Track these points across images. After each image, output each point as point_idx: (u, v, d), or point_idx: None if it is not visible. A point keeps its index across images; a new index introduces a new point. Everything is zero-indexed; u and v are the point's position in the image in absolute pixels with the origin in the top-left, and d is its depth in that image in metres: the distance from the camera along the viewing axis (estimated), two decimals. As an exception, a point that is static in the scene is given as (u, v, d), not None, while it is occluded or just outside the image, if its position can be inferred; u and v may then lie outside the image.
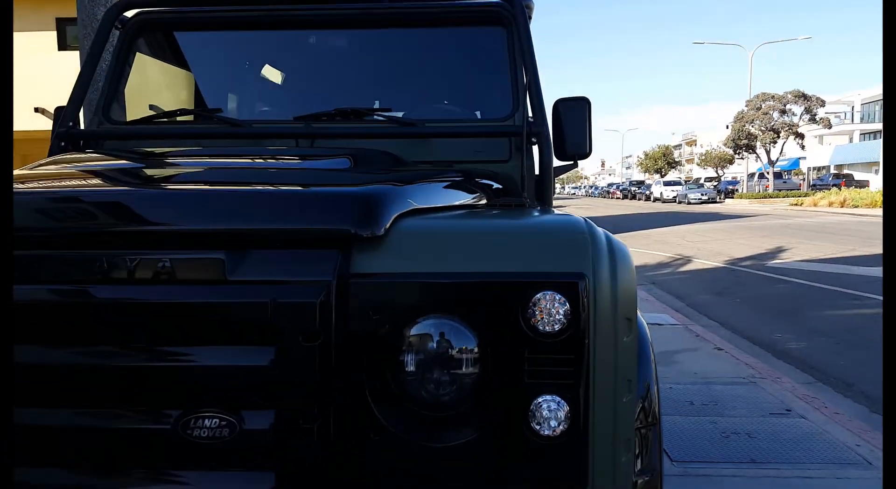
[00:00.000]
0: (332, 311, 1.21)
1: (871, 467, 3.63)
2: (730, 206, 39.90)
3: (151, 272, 1.23)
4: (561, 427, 1.26)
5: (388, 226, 1.30)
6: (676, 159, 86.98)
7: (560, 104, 2.57)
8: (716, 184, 55.64)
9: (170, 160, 1.98)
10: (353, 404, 1.26)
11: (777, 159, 48.07)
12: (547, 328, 1.25)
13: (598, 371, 1.28)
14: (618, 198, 66.51)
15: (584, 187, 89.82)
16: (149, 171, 1.77)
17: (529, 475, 1.28)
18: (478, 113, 2.63)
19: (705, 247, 15.90)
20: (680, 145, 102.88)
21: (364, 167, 1.79)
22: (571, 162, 2.66)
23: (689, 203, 44.04)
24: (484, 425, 1.28)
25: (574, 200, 63.79)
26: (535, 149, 2.57)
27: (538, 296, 1.25)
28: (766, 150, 46.23)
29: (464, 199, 1.87)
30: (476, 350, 1.28)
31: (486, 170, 2.31)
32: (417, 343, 1.29)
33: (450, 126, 2.51)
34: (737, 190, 50.69)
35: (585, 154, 2.59)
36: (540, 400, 1.26)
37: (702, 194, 45.49)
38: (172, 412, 1.24)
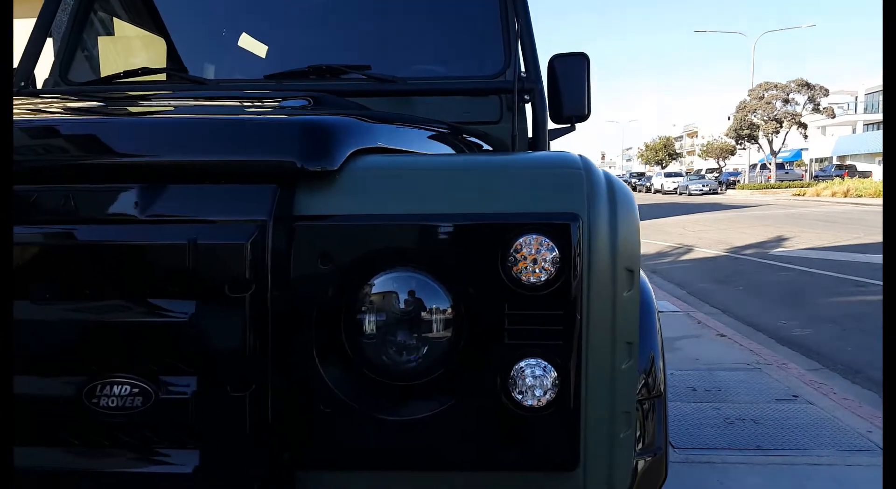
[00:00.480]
0: (266, 257, 1.00)
1: (884, 454, 3.44)
2: (731, 196, 39.61)
3: (50, 209, 1.02)
4: (547, 396, 1.06)
5: (343, 161, 1.10)
6: (678, 151, 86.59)
7: (556, 61, 2.37)
8: (717, 175, 55.32)
9: (104, 100, 1.77)
10: (297, 370, 1.07)
11: (779, 150, 47.70)
12: (532, 279, 1.05)
13: (592, 331, 1.08)
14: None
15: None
16: (69, 105, 1.56)
17: (510, 453, 1.08)
18: (465, 69, 2.42)
19: (707, 237, 15.69)
20: (681, 137, 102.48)
21: (326, 108, 1.58)
22: (568, 124, 2.46)
23: (691, 194, 43.73)
24: (456, 395, 1.08)
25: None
26: (529, 109, 2.37)
27: (521, 240, 1.04)
28: (768, 140, 45.85)
29: (445, 150, 1.66)
30: (447, 307, 1.09)
31: (476, 130, 2.10)
32: (377, 300, 1.09)
33: (434, 83, 2.30)
34: (738, 181, 50.35)
35: (584, 116, 2.39)
36: (522, 364, 1.06)
37: (703, 185, 45.16)
38: (76, 377, 1.03)
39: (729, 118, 53.03)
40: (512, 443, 1.08)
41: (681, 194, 45.12)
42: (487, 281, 1.05)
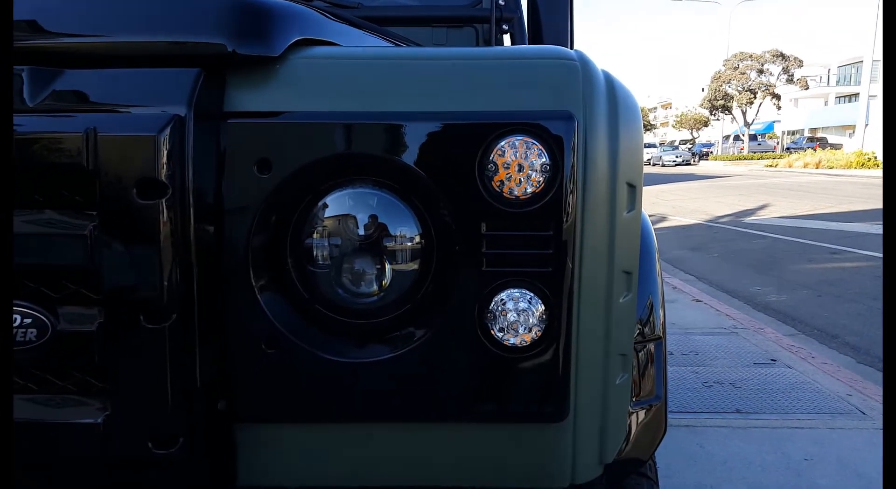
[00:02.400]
0: (185, 157, 0.79)
1: (866, 417, 3.36)
2: (705, 167, 39.78)
3: None
4: (533, 334, 0.87)
5: (285, 48, 0.88)
6: (651, 122, 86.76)
7: None
8: (690, 146, 55.53)
9: None
10: (229, 300, 0.87)
11: (753, 121, 47.91)
12: (516, 191, 0.85)
13: (587, 256, 0.89)
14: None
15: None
16: None
17: (488, 403, 0.89)
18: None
19: (681, 206, 15.67)
20: (655, 108, 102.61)
21: None
22: None
23: (664, 165, 43.83)
24: (424, 334, 0.89)
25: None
26: (508, 41, 2.16)
27: (503, 143, 0.84)
28: (742, 111, 46.00)
29: None
30: (413, 229, 0.89)
31: None
32: (329, 222, 0.89)
33: (403, 10, 2.07)
34: (711, 152, 50.56)
35: None
36: (504, 296, 0.87)
37: (676, 156, 45.28)
38: None
39: (703, 89, 53.01)
40: (491, 391, 0.89)
41: (654, 165, 45.19)
42: (462, 195, 0.85)
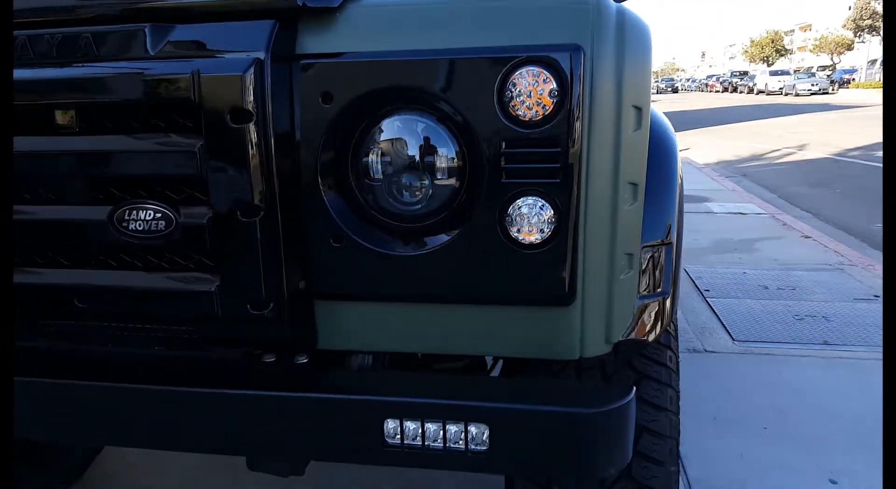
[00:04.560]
0: (265, 91, 1.03)
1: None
2: (844, 97, 36.49)
3: (73, 49, 1.08)
4: (543, 234, 1.07)
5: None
6: (787, 47, 79.79)
7: None
8: (830, 73, 50.84)
9: None
10: (305, 203, 1.12)
11: (904, 45, 42.92)
12: (529, 115, 1.03)
13: (593, 169, 1.06)
14: (716, 91, 61.88)
15: (682, 81, 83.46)
16: None
17: (507, 288, 1.11)
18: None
19: (808, 139, 14.69)
20: (792, 31, 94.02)
21: None
22: None
23: (798, 94, 40.55)
24: (456, 233, 1.10)
25: (661, 96, 59.98)
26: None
27: (519, 73, 1.02)
28: (892, 33, 41.32)
29: None
30: (450, 149, 1.09)
31: None
32: (381, 142, 1.11)
33: None
34: (853, 79, 46.17)
35: None
36: (520, 202, 1.07)
37: (812, 84, 41.62)
38: (105, 204, 1.14)
39: (850, 8, 48.00)
40: (510, 279, 1.10)
41: (786, 95, 41.92)
42: (485, 118, 1.04)
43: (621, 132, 1.07)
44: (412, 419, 1.06)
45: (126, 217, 1.11)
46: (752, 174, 10.37)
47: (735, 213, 7.15)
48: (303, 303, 1.17)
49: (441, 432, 1.06)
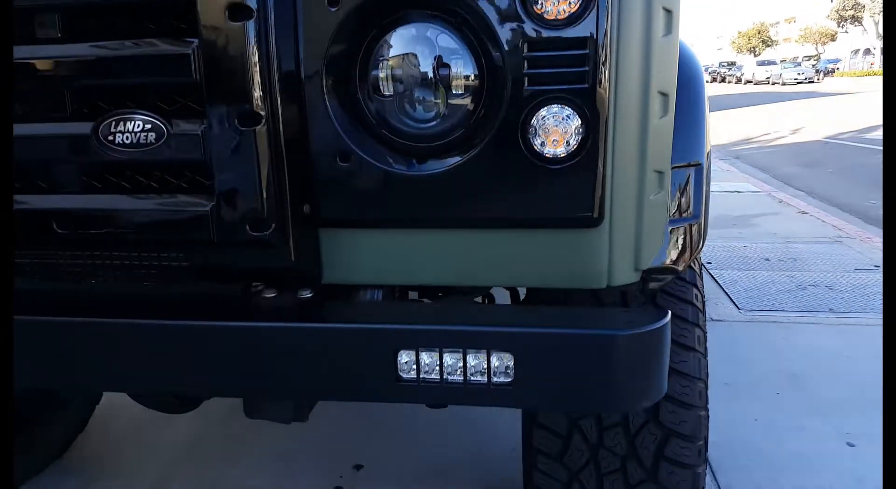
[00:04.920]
0: None
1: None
2: (829, 85, 36.63)
3: None
4: (570, 146, 0.97)
5: None
6: (773, 38, 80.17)
7: None
8: (815, 63, 51.04)
9: None
10: (308, 117, 1.02)
11: (888, 32, 43.16)
12: (555, 12, 0.93)
13: (622, 74, 0.97)
14: (705, 81, 61.83)
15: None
16: None
17: (530, 209, 1.01)
18: None
19: (797, 124, 14.70)
20: (778, 23, 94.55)
21: None
22: None
23: (784, 83, 40.67)
24: (476, 149, 1.00)
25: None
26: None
27: None
28: (874, 21, 41.64)
29: None
30: (467, 59, 0.99)
31: None
32: (391, 53, 1.01)
33: None
34: (837, 68, 46.37)
35: None
36: (544, 111, 0.97)
37: (798, 74, 41.73)
38: (89, 114, 1.03)
39: (831, 0, 48.24)
40: (533, 199, 1.01)
41: (773, 84, 42.04)
42: (507, 17, 0.94)
43: (651, 35, 0.98)
44: (428, 349, 0.96)
45: (112, 130, 1.00)
46: (745, 156, 10.33)
47: (731, 192, 7.11)
48: (307, 230, 1.07)
49: (461, 364, 0.96)
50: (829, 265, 4.28)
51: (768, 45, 75.64)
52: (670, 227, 1.10)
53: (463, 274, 1.09)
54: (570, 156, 0.98)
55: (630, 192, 1.02)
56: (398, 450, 2.31)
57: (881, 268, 4.14)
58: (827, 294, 3.71)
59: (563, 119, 0.97)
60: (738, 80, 51.04)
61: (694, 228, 1.14)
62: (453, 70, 1.00)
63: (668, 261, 1.10)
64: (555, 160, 0.98)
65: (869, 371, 2.72)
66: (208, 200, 1.02)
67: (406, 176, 1.03)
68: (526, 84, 0.97)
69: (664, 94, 1.01)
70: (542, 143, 0.98)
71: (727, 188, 7.31)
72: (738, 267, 4.27)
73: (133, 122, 1.00)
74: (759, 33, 74.33)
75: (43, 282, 1.11)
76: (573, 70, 0.95)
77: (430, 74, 1.00)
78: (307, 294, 1.10)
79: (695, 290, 1.33)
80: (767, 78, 43.99)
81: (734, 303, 3.58)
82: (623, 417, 1.29)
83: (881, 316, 3.30)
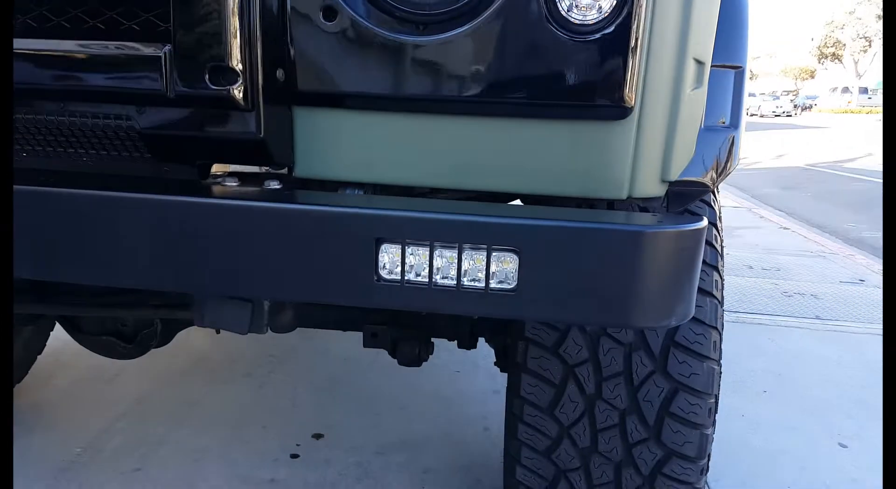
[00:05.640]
0: None
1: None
2: (807, 119, 37.28)
3: None
4: (602, 11, 0.81)
5: None
6: (754, 72, 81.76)
7: None
8: (793, 98, 52.02)
9: None
10: None
11: (864, 72, 44.30)
12: None
13: None
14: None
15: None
16: None
17: (546, 92, 0.84)
18: None
19: (778, 151, 14.83)
20: (759, 57, 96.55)
21: None
22: None
23: (762, 116, 41.30)
24: (486, 9, 0.83)
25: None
26: None
27: None
28: (853, 60, 42.57)
29: None
30: None
31: None
32: None
33: None
34: (815, 104, 47.27)
35: None
36: None
37: (777, 107, 42.48)
38: None
39: (812, 39, 49.26)
40: (552, 78, 0.84)
41: (752, 115, 42.68)
42: None
43: None
44: (417, 243, 0.78)
45: None
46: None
47: (712, 206, 7.04)
48: (279, 101, 0.89)
49: (454, 265, 0.79)
50: (813, 276, 4.19)
51: (750, 78, 77.10)
52: (705, 135, 0.94)
53: (460, 174, 0.91)
54: (602, 24, 0.81)
55: (665, 80, 0.86)
56: (362, 421, 2.12)
57: (865, 283, 4.09)
58: (813, 302, 3.62)
59: (594, -16, 0.81)
60: (719, 110, 51.62)
61: (730, 141, 0.99)
62: None
63: (698, 176, 0.94)
64: (583, 29, 0.82)
65: (857, 376, 2.61)
66: (163, 44, 0.83)
67: (402, 43, 0.85)
68: None
69: None
70: (570, 7, 0.82)
71: (708, 203, 7.24)
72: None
73: None
74: (741, 66, 75.63)
75: None
76: None
77: None
78: (275, 185, 0.92)
79: (714, 231, 1.18)
80: (747, 109, 44.56)
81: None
82: (626, 365, 1.12)
83: (869, 325, 3.23)
